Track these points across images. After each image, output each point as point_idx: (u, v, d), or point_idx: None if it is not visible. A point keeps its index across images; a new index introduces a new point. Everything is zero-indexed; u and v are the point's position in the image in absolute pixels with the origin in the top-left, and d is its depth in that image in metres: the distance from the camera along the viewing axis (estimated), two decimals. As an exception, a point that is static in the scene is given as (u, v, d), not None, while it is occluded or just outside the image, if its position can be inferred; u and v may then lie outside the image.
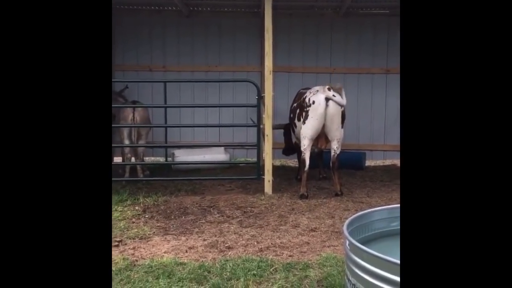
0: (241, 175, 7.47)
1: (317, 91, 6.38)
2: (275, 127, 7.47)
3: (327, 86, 6.35)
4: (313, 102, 6.26)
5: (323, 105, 6.18)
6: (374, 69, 8.86)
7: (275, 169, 6.90)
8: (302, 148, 6.45)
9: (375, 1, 8.12)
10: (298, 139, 6.92)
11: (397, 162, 9.15)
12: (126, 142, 7.38)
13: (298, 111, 6.67)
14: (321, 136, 6.42)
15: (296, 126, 6.75)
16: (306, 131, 6.35)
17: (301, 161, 6.51)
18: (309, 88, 6.90)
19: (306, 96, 6.47)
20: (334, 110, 6.23)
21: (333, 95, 6.21)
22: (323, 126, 6.27)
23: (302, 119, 6.46)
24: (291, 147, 7.62)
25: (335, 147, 6.39)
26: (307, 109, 6.32)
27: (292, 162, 9.12)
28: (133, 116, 7.20)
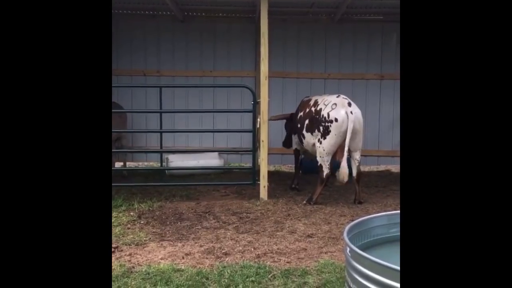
0: (236, 181, 7.44)
1: (335, 104, 6.18)
2: (275, 118, 7.39)
3: (346, 101, 6.21)
4: (336, 120, 6.08)
5: (346, 122, 6.05)
6: (368, 75, 8.88)
7: (270, 174, 6.89)
8: (322, 163, 6.26)
9: (370, 8, 8.14)
10: (305, 149, 6.88)
11: (391, 167, 9.18)
12: None
13: (307, 122, 6.51)
14: (339, 149, 6.22)
15: (304, 137, 6.62)
16: (329, 148, 6.20)
17: (319, 175, 6.29)
18: (311, 96, 6.84)
19: (321, 109, 6.29)
20: (358, 125, 6.14)
21: (351, 112, 6.08)
22: (345, 139, 6.09)
23: (318, 133, 6.26)
24: (291, 139, 7.41)
25: (357, 157, 6.37)
26: (328, 124, 6.14)
27: (287, 167, 9.14)
28: None
